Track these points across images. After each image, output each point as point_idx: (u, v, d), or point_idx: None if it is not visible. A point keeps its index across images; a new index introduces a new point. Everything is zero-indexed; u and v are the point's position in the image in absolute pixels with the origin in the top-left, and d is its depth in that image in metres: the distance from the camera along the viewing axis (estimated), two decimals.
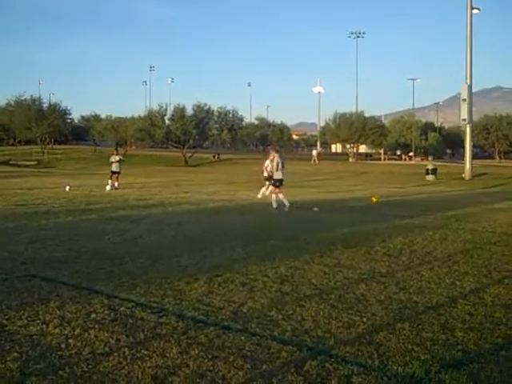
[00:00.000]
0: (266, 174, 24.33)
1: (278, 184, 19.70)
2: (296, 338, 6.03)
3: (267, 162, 24.49)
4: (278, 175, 19.91)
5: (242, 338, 5.92)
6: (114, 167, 29.33)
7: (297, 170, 53.20)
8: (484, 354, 5.63)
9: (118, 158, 29.88)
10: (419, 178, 39.67)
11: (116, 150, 31.85)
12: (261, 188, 24.70)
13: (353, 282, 8.62)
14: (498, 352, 5.70)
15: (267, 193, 23.21)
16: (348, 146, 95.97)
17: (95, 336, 5.89)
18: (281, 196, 19.48)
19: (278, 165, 19.69)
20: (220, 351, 5.53)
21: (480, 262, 10.17)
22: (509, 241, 12.58)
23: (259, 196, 23.81)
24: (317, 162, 71.64)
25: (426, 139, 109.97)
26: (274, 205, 19.11)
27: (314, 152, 78.38)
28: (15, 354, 5.35)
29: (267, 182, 23.72)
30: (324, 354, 5.54)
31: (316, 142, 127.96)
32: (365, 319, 6.70)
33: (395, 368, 5.25)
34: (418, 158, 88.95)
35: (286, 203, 18.96)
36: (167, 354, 5.41)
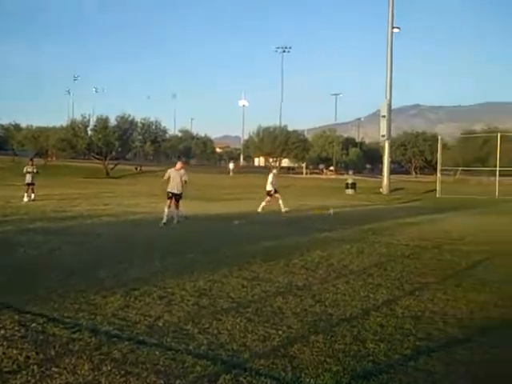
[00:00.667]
0: (269, 188, 25.07)
1: (177, 198, 18.72)
2: (211, 351, 6.04)
3: (271, 177, 25.36)
4: (178, 189, 18.80)
5: (157, 352, 5.88)
6: (28, 178, 28.66)
7: (219, 183, 53.30)
8: (393, 365, 5.80)
9: (32, 169, 29.16)
10: (339, 192, 40.50)
11: (31, 160, 31.02)
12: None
13: (270, 295, 8.70)
14: (406, 363, 5.88)
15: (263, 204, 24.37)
16: (271, 159, 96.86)
17: (3, 353, 5.71)
18: (172, 209, 18.56)
19: (181, 179, 18.84)
20: (133, 367, 5.47)
21: (393, 275, 10.48)
22: (421, 254, 13.01)
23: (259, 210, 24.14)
24: (232, 174, 72.45)
25: (347, 154, 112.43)
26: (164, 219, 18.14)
27: (231, 165, 79.45)
28: None
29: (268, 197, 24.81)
30: (238, 367, 5.57)
31: (239, 155, 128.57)
32: (280, 332, 6.78)
33: (308, 380, 5.34)
34: (332, 172, 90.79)
35: (165, 219, 18.08)
36: (78, 371, 5.31)
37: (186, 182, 19.06)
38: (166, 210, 18.50)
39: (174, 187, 18.76)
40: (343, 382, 5.32)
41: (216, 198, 33.70)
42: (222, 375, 5.35)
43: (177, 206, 18.66)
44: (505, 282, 9.99)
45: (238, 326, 6.97)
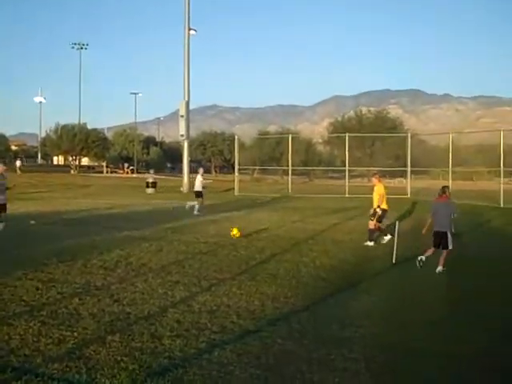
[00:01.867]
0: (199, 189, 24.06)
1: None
2: (1, 358, 5.78)
3: (200, 177, 24.31)
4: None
5: None
6: None
7: (15, 182, 50.44)
8: (189, 359, 5.98)
9: None
10: (140, 191, 40.28)
11: None
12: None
13: (66, 297, 8.51)
14: (201, 356, 6.09)
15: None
16: (70, 158, 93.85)
17: None
18: None
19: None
20: None
21: (191, 272, 10.71)
22: (218, 250, 13.41)
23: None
24: (19, 172, 69.44)
25: (148, 153, 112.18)
26: None
27: (18, 163, 76.11)
28: None
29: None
30: (30, 373, 5.41)
31: (37, 153, 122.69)
32: (76, 334, 6.67)
33: (103, 381, 5.33)
34: (132, 171, 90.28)
35: None
36: None
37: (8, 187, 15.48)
38: None
39: None
40: (138, 380, 5.37)
41: (15, 197, 31.86)
42: (11, 383, 5.15)
43: None
44: (293, 275, 10.65)
45: (31, 330, 6.74)
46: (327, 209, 27.23)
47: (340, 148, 64.89)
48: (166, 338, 6.59)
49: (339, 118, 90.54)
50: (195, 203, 23.95)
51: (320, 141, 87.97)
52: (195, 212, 23.26)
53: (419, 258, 11.76)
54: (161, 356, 6.03)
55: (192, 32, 46.66)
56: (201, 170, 25.55)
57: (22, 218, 20.24)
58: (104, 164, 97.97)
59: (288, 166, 43.12)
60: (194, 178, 26.07)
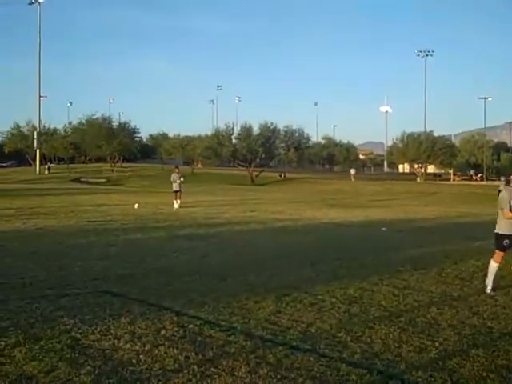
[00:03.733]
0: None
1: None
2: (365, 360, 5.92)
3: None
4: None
5: (311, 358, 5.86)
6: (175, 186, 29.41)
7: (365, 190, 52.71)
8: None
9: (178, 176, 29.85)
10: (491, 200, 38.60)
11: (176, 167, 31.84)
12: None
13: (423, 305, 8.41)
14: None
15: None
16: (416, 165, 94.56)
17: (165, 352, 5.94)
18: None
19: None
20: (289, 372, 5.48)
21: None
22: None
23: None
24: (353, 180, 71.96)
25: (498, 159, 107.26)
26: None
27: (352, 171, 78.97)
28: (88, 367, 5.46)
29: None
30: (395, 378, 5.41)
31: (383, 161, 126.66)
32: (437, 344, 6.51)
33: None
34: (482, 179, 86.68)
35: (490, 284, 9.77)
36: (236, 373, 5.40)
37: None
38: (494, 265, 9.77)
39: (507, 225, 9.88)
40: None
41: (365, 204, 33.37)
42: None
43: None
44: None
45: (391, 336, 6.79)
46: None
47: None
48: None
49: None
50: None
51: None
52: None
53: None
54: None
55: None
56: None
57: (374, 224, 20.93)
58: (451, 171, 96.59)
59: None
60: None
